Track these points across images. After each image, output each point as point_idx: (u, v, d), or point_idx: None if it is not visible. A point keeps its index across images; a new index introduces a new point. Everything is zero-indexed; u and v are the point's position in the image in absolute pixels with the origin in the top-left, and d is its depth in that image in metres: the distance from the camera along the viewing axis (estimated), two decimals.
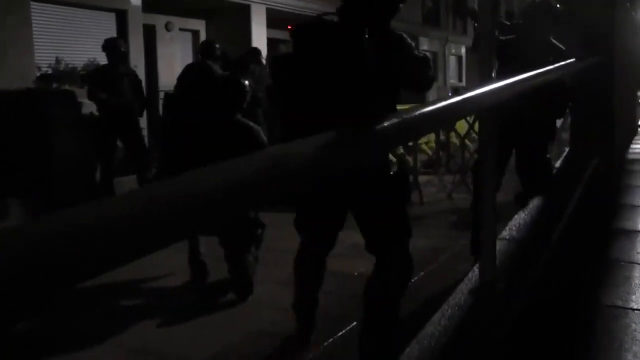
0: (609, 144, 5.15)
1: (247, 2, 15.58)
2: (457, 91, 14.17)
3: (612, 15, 5.54)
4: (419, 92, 3.64)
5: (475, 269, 2.40)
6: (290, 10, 17.01)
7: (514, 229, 3.20)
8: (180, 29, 15.55)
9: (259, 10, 15.97)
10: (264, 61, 11.83)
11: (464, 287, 2.30)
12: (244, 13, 15.62)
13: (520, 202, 5.52)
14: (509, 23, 5.54)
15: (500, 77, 5.31)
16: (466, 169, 9.47)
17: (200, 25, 16.21)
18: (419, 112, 1.41)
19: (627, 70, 5.96)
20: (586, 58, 4.91)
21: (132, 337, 4.43)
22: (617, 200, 4.65)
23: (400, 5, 3.49)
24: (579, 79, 5.12)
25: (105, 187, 8.76)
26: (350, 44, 3.41)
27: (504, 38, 5.38)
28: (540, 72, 3.16)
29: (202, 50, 9.49)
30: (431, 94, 21.16)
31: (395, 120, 1.26)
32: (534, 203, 3.87)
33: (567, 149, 7.75)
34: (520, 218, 3.42)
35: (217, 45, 9.47)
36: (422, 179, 9.65)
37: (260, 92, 11.18)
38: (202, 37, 16.20)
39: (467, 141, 10.16)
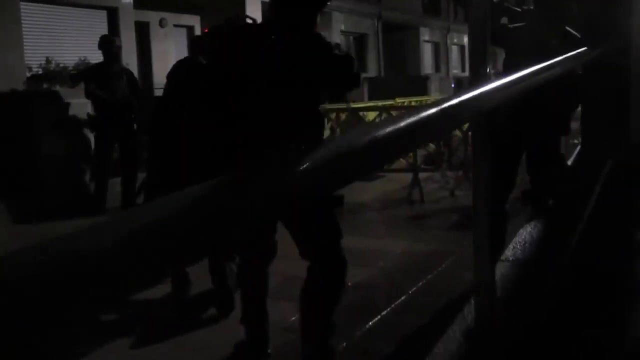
0: (626, 140, 4.71)
1: None
2: (460, 82, 13.77)
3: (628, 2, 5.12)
4: (344, 92, 3.51)
5: (472, 300, 2.03)
6: None
7: (518, 247, 2.80)
8: (175, 25, 15.23)
9: (254, 3, 15.62)
10: None
11: (456, 329, 1.93)
12: (239, 7, 15.25)
13: (528, 200, 5.12)
14: (519, 10, 5.11)
15: (508, 69, 4.95)
16: (469, 164, 9.09)
17: (194, 20, 15.86)
18: (378, 133, 1.02)
19: None
20: (600, 45, 4.51)
21: (106, 356, 4.12)
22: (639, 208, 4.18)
23: (322, 5, 3.48)
24: (592, 67, 4.71)
25: (99, 189, 8.46)
26: (261, 47, 3.35)
27: (512, 26, 4.99)
28: (545, 67, 2.78)
29: (192, 46, 9.13)
30: (433, 85, 20.80)
31: (331, 150, 0.89)
32: (543, 213, 3.48)
33: (576, 142, 7.32)
34: (526, 233, 3.01)
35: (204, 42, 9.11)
36: (422, 175, 9.27)
37: None
38: (197, 32, 15.87)
39: (470, 134, 9.75)
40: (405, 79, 20.24)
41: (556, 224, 3.32)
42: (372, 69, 22.15)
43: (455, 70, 28.73)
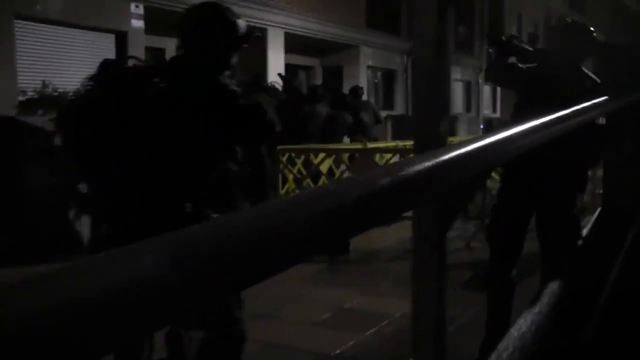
0: None
1: (263, 26, 14.73)
2: (490, 123, 13.14)
3: None
4: (256, 145, 3.20)
5: None
6: (310, 35, 16.17)
7: (504, 357, 2.11)
8: None
9: (276, 34, 15.14)
10: (279, 86, 11.19)
11: None
12: (260, 37, 14.78)
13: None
14: (531, 49, 4.46)
15: (520, 114, 4.31)
16: (486, 214, 8.43)
17: None
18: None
19: None
20: (626, 92, 3.83)
21: None
22: None
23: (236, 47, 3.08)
24: (616, 117, 4.01)
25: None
26: (146, 95, 2.92)
27: (523, 67, 4.35)
28: (553, 120, 2.12)
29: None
30: (462, 125, 20.13)
31: None
32: (547, 293, 2.77)
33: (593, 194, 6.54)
34: (518, 334, 2.30)
35: None
36: None
37: None
38: None
39: (488, 181, 9.08)
40: None
41: (563, 316, 2.64)
42: (399, 107, 21.56)
43: (487, 111, 28.01)
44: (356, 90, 13.45)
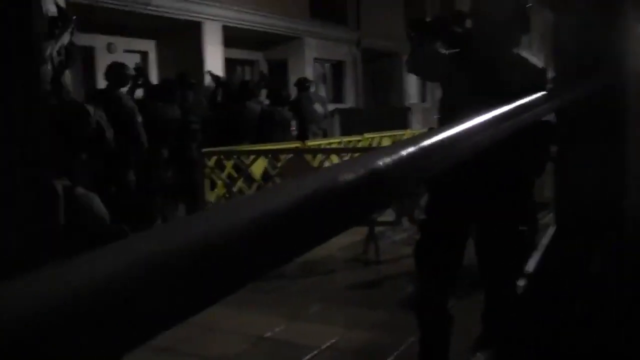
0: (620, 215, 3.22)
1: (198, 20, 13.84)
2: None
3: (620, 25, 3.61)
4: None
5: None
6: (250, 28, 15.31)
7: None
8: (125, 51, 13.82)
9: (213, 28, 14.24)
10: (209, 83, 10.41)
11: None
12: (196, 31, 13.89)
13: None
14: (459, 30, 3.61)
15: (445, 112, 3.53)
16: None
17: (149, 45, 14.52)
18: None
19: None
20: (582, 83, 3.06)
21: None
22: None
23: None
24: (571, 113, 3.21)
25: None
26: None
27: (447, 52, 3.54)
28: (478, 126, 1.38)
29: (108, 77, 7.82)
30: (415, 117, 19.39)
31: None
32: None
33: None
34: None
35: (128, 72, 7.95)
36: (379, 228, 7.82)
37: (195, 124, 9.46)
38: (152, 58, 14.56)
39: None
40: (384, 111, 18.89)
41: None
42: (349, 100, 20.76)
43: (414, 100, 27.10)
44: (303, 82, 12.67)
